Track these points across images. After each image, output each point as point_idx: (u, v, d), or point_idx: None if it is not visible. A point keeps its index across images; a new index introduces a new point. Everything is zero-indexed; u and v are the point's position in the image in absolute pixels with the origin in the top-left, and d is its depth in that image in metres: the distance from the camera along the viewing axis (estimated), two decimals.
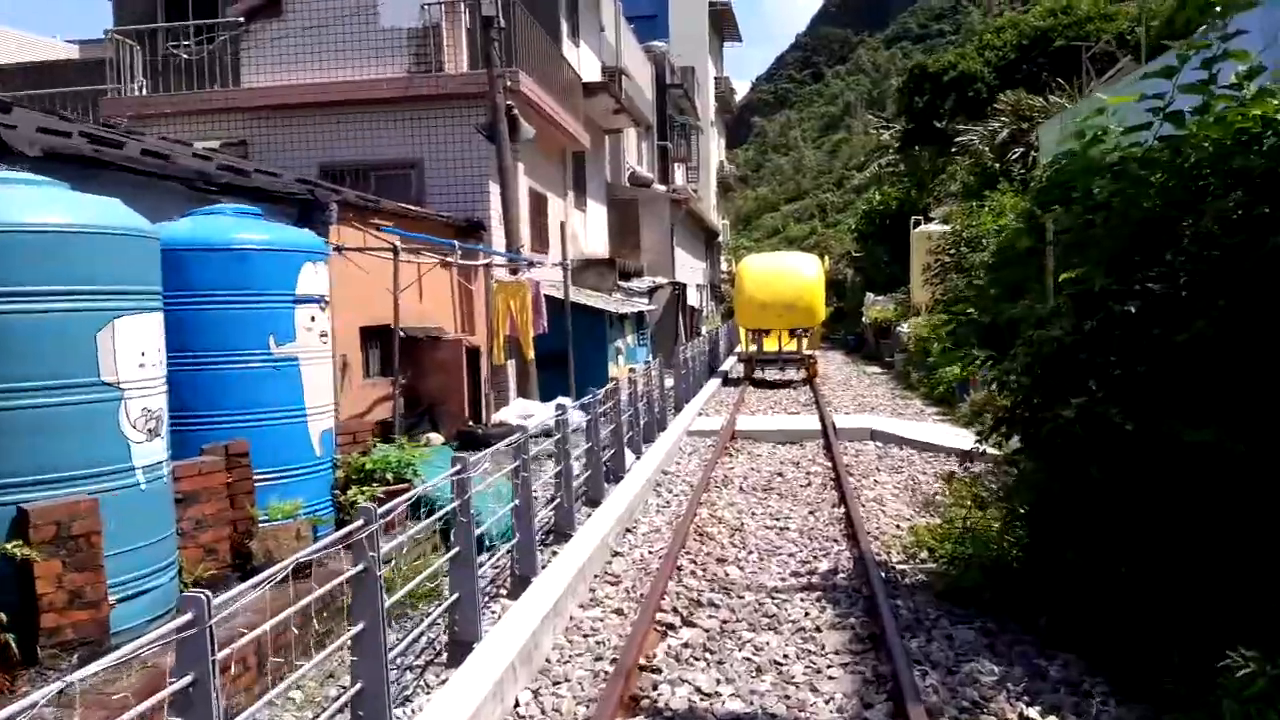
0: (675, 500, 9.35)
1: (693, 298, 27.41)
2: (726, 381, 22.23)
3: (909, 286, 26.61)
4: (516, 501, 6.36)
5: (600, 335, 16.12)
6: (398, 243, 9.27)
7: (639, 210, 25.15)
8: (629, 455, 10.35)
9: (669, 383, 16.25)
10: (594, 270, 20.82)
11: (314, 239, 7.38)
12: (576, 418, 12.48)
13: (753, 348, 22.21)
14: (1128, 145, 5.23)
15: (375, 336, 11.05)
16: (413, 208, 12.87)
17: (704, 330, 28.35)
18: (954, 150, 26.97)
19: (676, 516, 8.60)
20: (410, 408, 11.39)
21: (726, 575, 6.88)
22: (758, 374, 22.16)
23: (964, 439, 12.06)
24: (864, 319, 29.02)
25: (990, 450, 6.08)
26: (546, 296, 14.66)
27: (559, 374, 14.86)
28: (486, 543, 6.16)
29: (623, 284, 21.35)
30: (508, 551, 6.44)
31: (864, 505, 8.87)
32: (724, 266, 52.00)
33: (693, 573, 6.93)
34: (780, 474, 10.64)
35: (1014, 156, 24.18)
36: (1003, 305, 5.66)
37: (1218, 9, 4.74)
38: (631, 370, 14.42)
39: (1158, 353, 4.48)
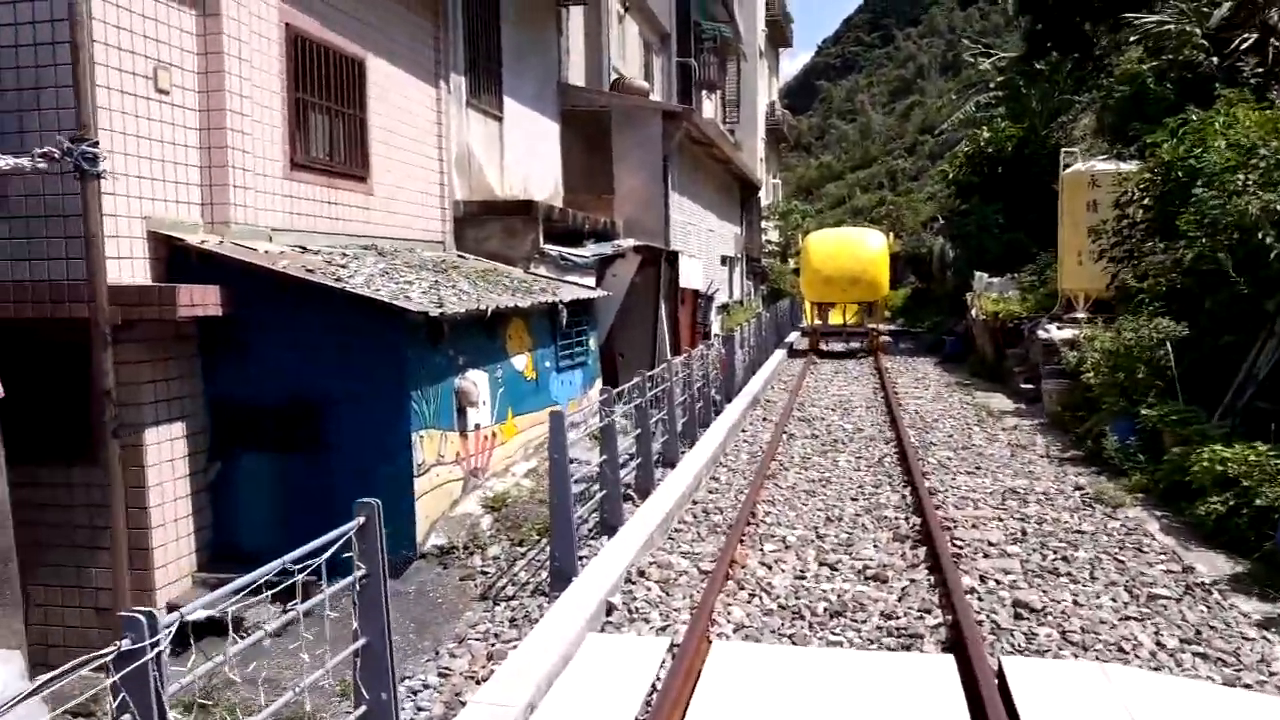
0: None
1: (696, 277, 16.97)
2: (793, 354, 21.84)
3: (1049, 262, 16.70)
4: None
5: (391, 369, 6.60)
6: None
7: (612, 130, 15.41)
8: None
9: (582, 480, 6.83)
10: (500, 224, 11.42)
11: None
12: None
13: (818, 322, 22.64)
14: None
15: None
16: None
17: (717, 329, 18.47)
18: (1129, 43, 16.86)
19: None
20: None
21: None
22: (822, 345, 22.32)
23: None
24: (971, 311, 19.05)
25: None
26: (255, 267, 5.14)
27: (285, 469, 5.56)
28: None
29: (553, 250, 11.79)
30: None
31: None
32: (773, 235, 41.46)
33: None
34: None
35: (1243, 45, 14.78)
36: None
37: None
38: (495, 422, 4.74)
39: None
